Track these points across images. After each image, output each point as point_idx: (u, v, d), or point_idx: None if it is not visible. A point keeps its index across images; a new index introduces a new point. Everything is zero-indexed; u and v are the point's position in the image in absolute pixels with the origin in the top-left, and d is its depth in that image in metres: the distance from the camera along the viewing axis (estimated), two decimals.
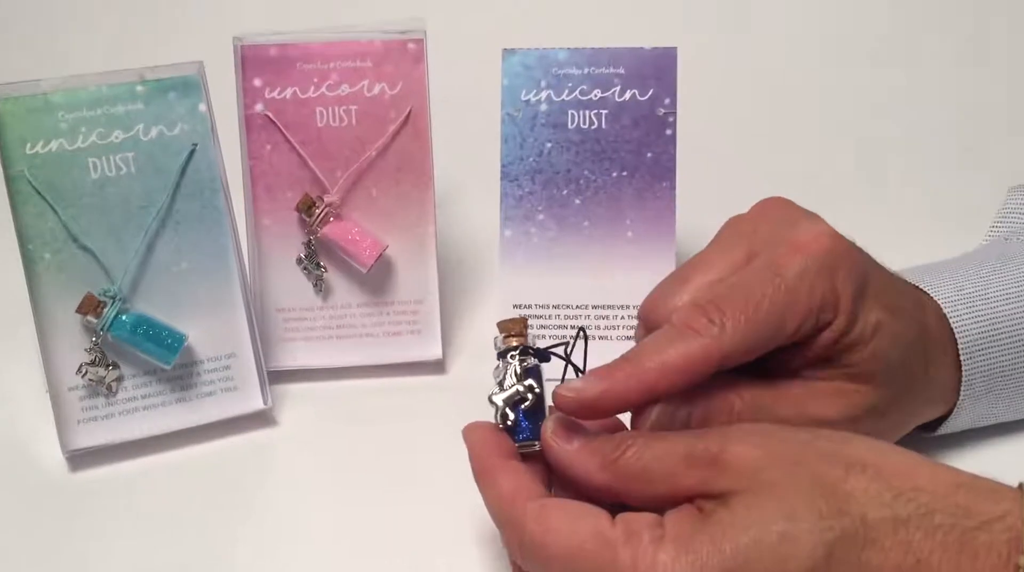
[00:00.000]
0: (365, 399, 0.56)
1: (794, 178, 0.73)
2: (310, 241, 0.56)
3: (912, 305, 0.43)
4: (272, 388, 0.54)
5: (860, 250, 0.42)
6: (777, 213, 0.42)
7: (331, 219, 0.55)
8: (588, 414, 0.37)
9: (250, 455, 0.52)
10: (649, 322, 0.41)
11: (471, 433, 0.39)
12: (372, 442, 0.52)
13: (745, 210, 0.44)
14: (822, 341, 0.39)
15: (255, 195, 0.55)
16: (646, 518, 0.33)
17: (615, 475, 0.35)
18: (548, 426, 0.38)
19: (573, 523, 0.34)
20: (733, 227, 0.43)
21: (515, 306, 0.56)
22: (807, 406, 0.40)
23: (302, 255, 0.56)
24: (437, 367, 0.58)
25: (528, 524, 0.34)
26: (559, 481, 0.38)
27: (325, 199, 0.55)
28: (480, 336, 0.58)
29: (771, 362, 0.40)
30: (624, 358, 0.38)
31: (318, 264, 0.56)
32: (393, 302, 0.57)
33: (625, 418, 0.40)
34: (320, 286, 0.57)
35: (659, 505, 0.34)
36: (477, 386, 0.42)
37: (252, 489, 0.50)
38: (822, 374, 0.40)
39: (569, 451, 0.37)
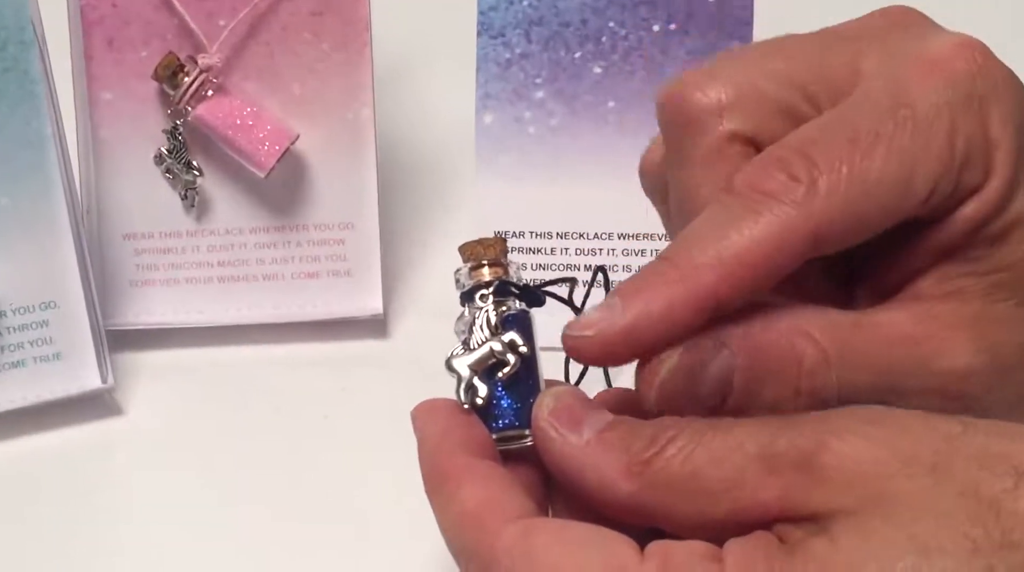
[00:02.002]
0: (262, 375, 0.56)
1: None
2: (176, 127, 0.56)
3: None
4: (115, 357, 0.55)
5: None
6: (900, 20, 0.41)
7: (209, 93, 0.55)
8: (622, 359, 0.37)
9: (80, 459, 0.52)
10: (674, 125, 0.39)
11: (424, 417, 0.39)
12: (272, 442, 0.53)
13: None
14: (960, 219, 0.38)
15: (89, 54, 0.55)
16: (694, 548, 0.33)
17: (648, 484, 0.35)
18: (544, 406, 0.37)
19: (575, 554, 0.33)
20: (828, 29, 0.42)
21: (497, 233, 0.56)
22: (926, 344, 0.38)
23: (164, 150, 0.56)
24: (375, 327, 0.58)
25: (503, 555, 0.34)
26: (561, 494, 0.38)
27: (200, 61, 0.55)
28: (441, 281, 0.53)
29: (867, 253, 0.39)
30: (663, 257, 0.37)
31: (189, 164, 0.56)
32: (307, 226, 0.57)
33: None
34: (192, 199, 0.57)
35: (715, 533, 0.34)
36: (435, 356, 0.41)
37: (82, 510, 0.50)
38: (948, 284, 0.38)
39: (577, 446, 0.36)
